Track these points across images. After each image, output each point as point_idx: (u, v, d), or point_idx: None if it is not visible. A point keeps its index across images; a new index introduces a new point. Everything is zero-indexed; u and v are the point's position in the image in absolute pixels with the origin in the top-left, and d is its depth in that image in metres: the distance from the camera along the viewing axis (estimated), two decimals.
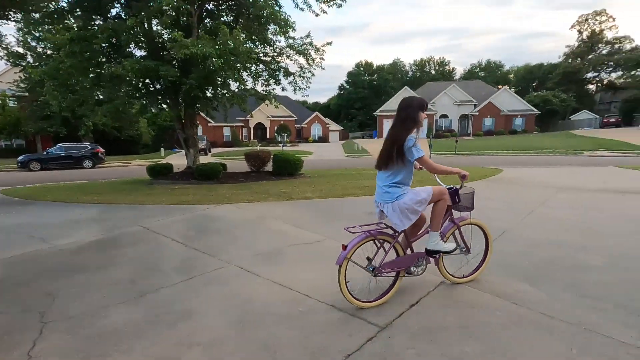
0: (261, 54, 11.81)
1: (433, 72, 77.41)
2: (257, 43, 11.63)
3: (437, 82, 55.29)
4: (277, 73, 12.25)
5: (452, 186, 2.85)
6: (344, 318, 2.53)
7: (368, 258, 2.65)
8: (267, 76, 12.26)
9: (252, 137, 46.79)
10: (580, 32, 58.42)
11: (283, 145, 28.18)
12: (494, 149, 26.00)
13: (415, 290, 2.91)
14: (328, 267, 3.33)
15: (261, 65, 12.18)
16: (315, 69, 12.12)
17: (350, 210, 6.19)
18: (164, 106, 12.59)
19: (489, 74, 71.84)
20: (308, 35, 11.45)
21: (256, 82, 12.13)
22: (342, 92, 73.34)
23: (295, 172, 12.15)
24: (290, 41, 11.22)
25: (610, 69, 56.43)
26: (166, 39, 10.58)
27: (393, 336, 2.29)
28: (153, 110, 14.33)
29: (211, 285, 3.17)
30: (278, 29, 10.99)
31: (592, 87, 60.16)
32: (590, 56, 56.54)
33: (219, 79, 10.73)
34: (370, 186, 9.00)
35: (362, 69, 71.55)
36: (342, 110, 71.51)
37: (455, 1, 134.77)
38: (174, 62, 10.25)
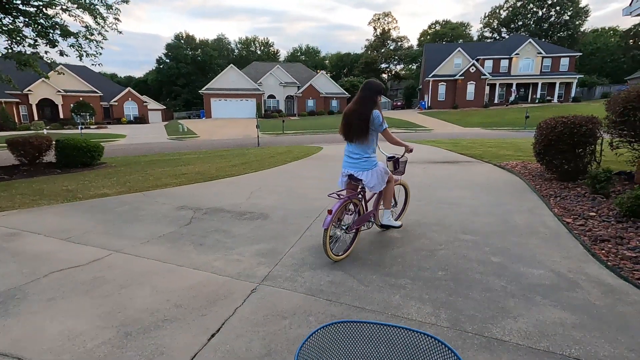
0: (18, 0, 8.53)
1: (259, 52, 78.00)
2: None
3: (263, 62, 55.95)
4: (49, 31, 9.18)
5: (394, 155, 3.51)
6: None
7: (339, 219, 3.12)
8: (33, 34, 9.05)
9: (36, 118, 35.95)
10: (375, 28, 70.17)
11: (82, 128, 22.43)
12: (316, 128, 28.40)
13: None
14: (108, 301, 2.36)
15: (21, 17, 8.87)
16: (107, 31, 9.69)
17: (157, 206, 5.09)
18: None
19: (309, 59, 77.87)
20: None
21: (14, 39, 8.75)
22: (161, 66, 64.94)
23: (92, 162, 9.65)
24: None
25: (396, 61, 70.55)
26: None
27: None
28: None
29: None
30: None
31: (385, 75, 73.80)
32: (382, 50, 68.91)
33: None
34: (189, 173, 7.91)
35: (183, 41, 64.95)
36: (164, 87, 63.70)
37: None
38: None
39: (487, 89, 41.69)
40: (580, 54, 44.71)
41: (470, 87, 41.52)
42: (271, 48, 79.91)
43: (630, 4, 4.95)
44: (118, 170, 8.82)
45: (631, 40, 53.99)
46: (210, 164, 9.54)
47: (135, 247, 3.49)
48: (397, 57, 69.88)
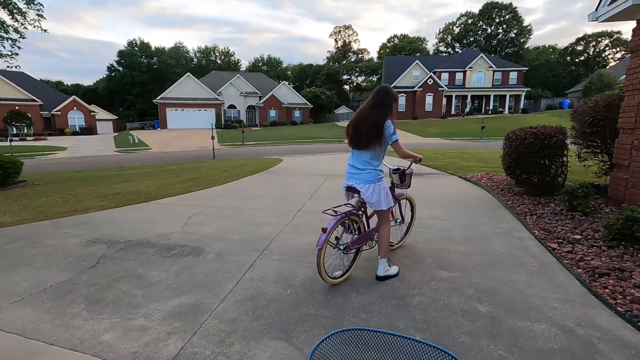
0: None
1: (219, 61, 76.01)
2: None
3: (223, 72, 54.39)
4: None
5: (399, 167, 3.20)
6: None
7: (336, 238, 2.80)
8: None
9: None
10: (336, 40, 70.98)
11: (12, 140, 19.74)
12: (277, 139, 27.57)
13: None
14: None
15: None
16: (27, 28, 8.36)
17: (62, 239, 4.01)
18: None
19: (271, 69, 77.09)
20: None
21: None
22: (113, 74, 61.13)
23: (6, 181, 8.14)
24: None
25: (357, 73, 71.70)
26: None
27: None
28: None
29: None
30: None
31: (347, 87, 74.70)
32: (344, 62, 69.77)
33: None
34: (123, 193, 6.77)
35: (137, 49, 61.74)
36: (116, 97, 59.81)
37: None
38: None
39: (444, 100, 43.13)
40: (527, 68, 47.73)
41: (429, 99, 42.75)
42: (232, 57, 78.24)
43: (597, 9, 4.65)
44: (36, 191, 7.45)
45: (568, 57, 58.92)
46: (153, 181, 8.39)
47: (10, 316, 2.47)
48: (358, 69, 71.00)
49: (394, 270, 2.92)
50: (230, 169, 10.29)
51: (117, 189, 7.24)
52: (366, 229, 3.02)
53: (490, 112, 43.21)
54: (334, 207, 2.76)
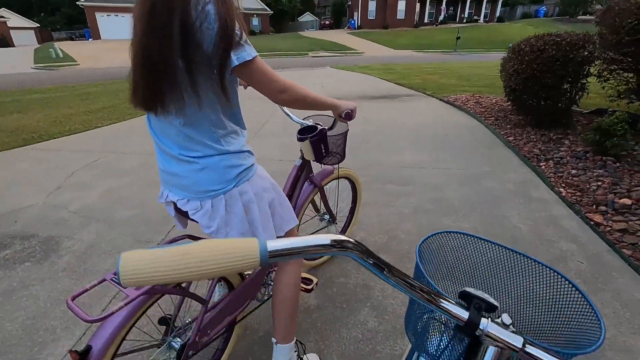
0: None
1: None
2: None
3: None
4: None
5: (316, 125, 1.44)
6: None
7: (166, 319, 1.14)
8: None
9: None
10: None
11: None
12: None
13: None
14: None
15: None
16: None
17: None
18: None
19: None
20: None
21: None
22: None
23: None
24: None
25: None
26: None
27: None
28: None
29: None
30: None
31: None
32: None
33: None
34: None
35: None
36: None
37: None
38: None
39: (417, 6, 39.26)
40: None
41: (401, 4, 38.61)
42: None
43: None
44: None
45: None
46: (52, 111, 6.40)
47: None
48: None
49: None
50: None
51: None
52: (243, 277, 1.30)
53: (465, 20, 40.25)
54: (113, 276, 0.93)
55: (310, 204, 1.73)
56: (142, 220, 2.49)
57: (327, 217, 1.87)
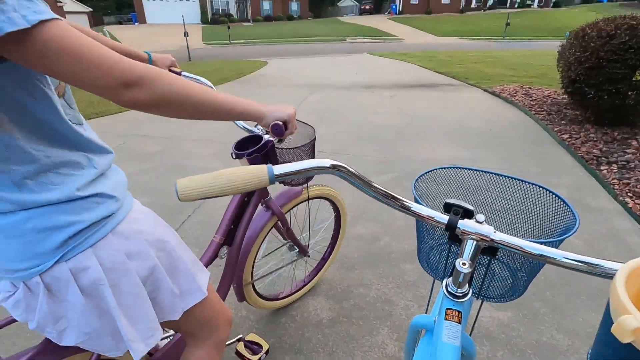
0: None
1: None
2: None
3: None
4: None
5: (258, 135, 0.98)
6: None
7: None
8: None
9: None
10: None
11: None
12: (269, 37, 24.12)
13: None
14: None
15: None
16: None
17: None
18: None
19: None
20: None
21: None
22: None
23: None
24: None
25: None
26: None
27: None
28: None
29: None
30: None
31: None
32: None
33: None
34: None
35: None
36: None
37: None
38: None
39: None
40: None
41: None
42: None
43: None
44: None
45: None
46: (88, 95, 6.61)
47: None
48: None
49: None
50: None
51: None
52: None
53: (516, 5, 37.52)
54: None
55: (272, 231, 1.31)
56: (155, 207, 2.41)
57: (294, 248, 1.40)
